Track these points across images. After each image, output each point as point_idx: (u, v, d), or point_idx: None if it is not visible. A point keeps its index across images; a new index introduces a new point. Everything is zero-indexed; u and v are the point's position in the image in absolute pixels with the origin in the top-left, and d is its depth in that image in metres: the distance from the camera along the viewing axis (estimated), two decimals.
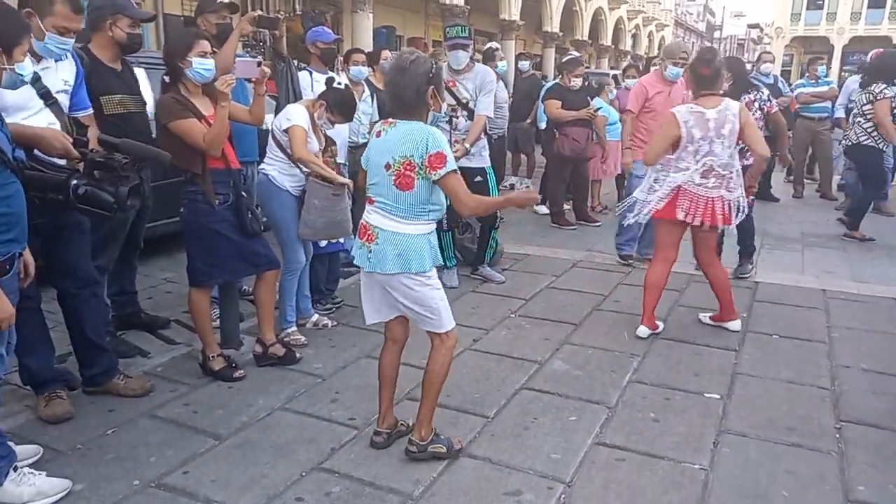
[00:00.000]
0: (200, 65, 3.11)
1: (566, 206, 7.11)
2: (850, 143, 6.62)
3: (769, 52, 9.42)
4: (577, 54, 7.65)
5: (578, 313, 4.39)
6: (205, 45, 3.14)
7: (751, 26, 61.48)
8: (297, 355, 3.57)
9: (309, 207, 3.65)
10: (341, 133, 4.53)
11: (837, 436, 2.92)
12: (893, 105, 6.18)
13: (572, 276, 5.27)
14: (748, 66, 6.63)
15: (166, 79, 3.21)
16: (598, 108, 6.86)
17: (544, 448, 2.79)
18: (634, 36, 33.64)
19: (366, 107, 5.55)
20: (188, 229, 3.31)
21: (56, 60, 2.86)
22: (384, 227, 2.51)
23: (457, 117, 4.73)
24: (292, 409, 3.07)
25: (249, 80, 3.58)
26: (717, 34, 56.28)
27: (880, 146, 6.32)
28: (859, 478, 2.61)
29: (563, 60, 7.29)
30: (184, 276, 3.51)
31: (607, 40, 29.00)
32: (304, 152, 3.57)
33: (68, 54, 2.93)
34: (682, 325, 4.21)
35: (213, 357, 3.36)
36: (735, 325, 4.12)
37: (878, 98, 6.21)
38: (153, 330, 3.96)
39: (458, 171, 2.48)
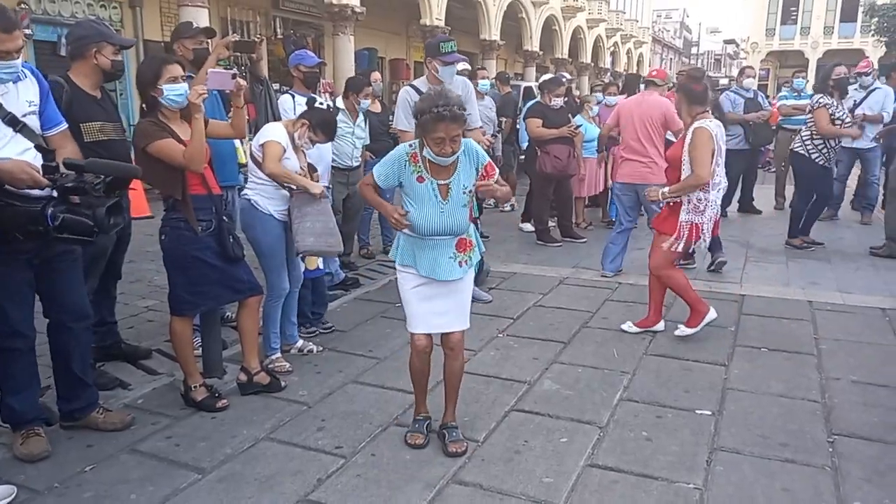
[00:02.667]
0: (172, 91, 3.08)
1: (551, 224, 7.11)
2: (791, 149, 6.77)
3: (752, 67, 9.56)
4: (562, 74, 7.73)
5: (567, 331, 4.36)
6: (173, 70, 3.10)
7: (727, 42, 62.58)
8: (283, 383, 3.50)
9: (301, 218, 3.59)
10: (324, 157, 4.50)
11: (830, 450, 2.90)
12: (831, 112, 6.28)
13: (559, 293, 5.25)
14: (727, 81, 6.76)
15: (143, 107, 3.17)
16: (579, 126, 6.89)
17: (536, 472, 2.73)
18: (613, 53, 34.04)
19: (360, 131, 5.54)
20: (169, 257, 3.25)
21: (14, 82, 2.74)
22: None
23: None
24: (277, 439, 3.00)
25: (225, 93, 3.54)
26: (694, 50, 57.22)
27: (811, 155, 6.39)
28: (855, 493, 2.58)
29: (544, 80, 7.34)
30: (165, 304, 3.44)
31: (587, 58, 29.32)
32: (276, 166, 3.51)
33: (27, 73, 2.81)
34: (671, 341, 4.18)
35: (195, 387, 3.28)
36: (711, 314, 4.20)
37: (815, 107, 6.35)
38: (134, 360, 3.87)
39: (373, 176, 2.83)
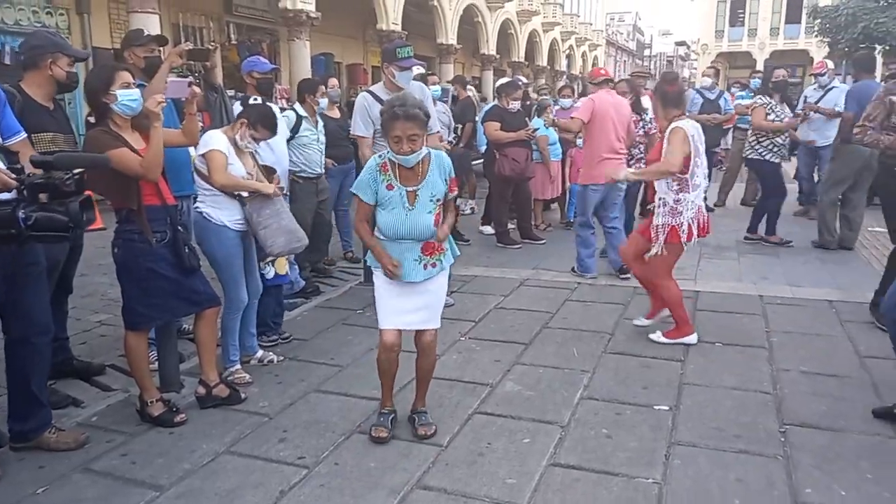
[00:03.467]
0: (126, 96, 3.01)
1: (511, 226, 7.17)
2: (745, 155, 7.11)
3: (711, 67, 9.84)
4: (518, 77, 7.81)
5: (528, 332, 4.40)
6: (126, 77, 3.05)
7: (678, 44, 64.01)
8: (242, 395, 3.45)
9: (262, 223, 3.57)
10: (281, 162, 4.46)
11: (782, 440, 2.99)
12: (768, 112, 6.60)
13: (520, 294, 5.30)
14: (684, 83, 6.99)
15: (91, 119, 3.10)
16: (536, 129, 6.98)
17: (499, 473, 2.75)
18: (569, 56, 34.51)
19: (322, 136, 5.48)
20: (123, 270, 3.17)
21: None
22: None
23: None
24: (238, 452, 2.95)
25: (179, 100, 3.49)
26: (646, 52, 58.36)
27: (764, 156, 6.68)
28: (806, 481, 2.67)
29: (501, 83, 7.41)
30: (118, 317, 3.36)
31: (543, 61, 29.66)
32: (224, 177, 3.47)
33: None
34: (629, 339, 4.26)
35: (151, 402, 3.21)
36: (692, 338, 4.17)
37: (754, 107, 6.72)
38: (87, 377, 3.76)
39: (358, 196, 2.94)
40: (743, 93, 10.19)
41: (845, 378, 3.63)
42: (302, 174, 5.26)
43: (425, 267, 2.94)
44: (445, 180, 2.94)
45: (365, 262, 3.13)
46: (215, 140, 3.52)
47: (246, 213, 3.57)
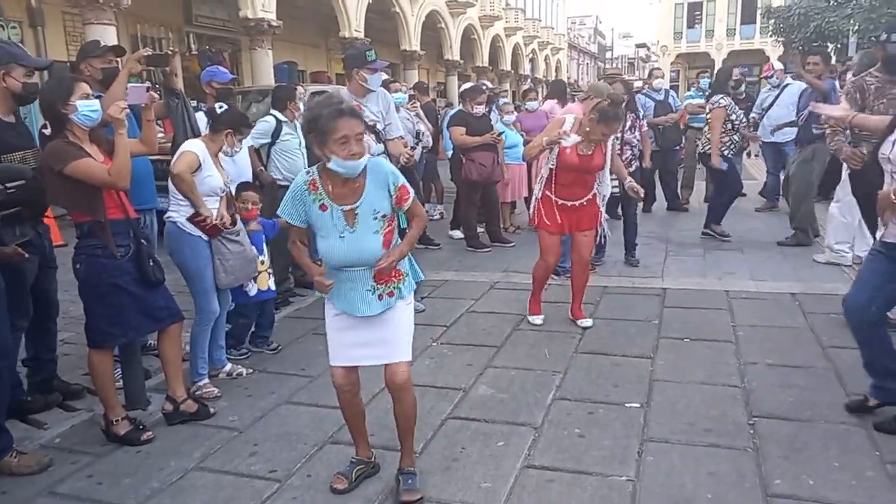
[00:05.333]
0: (87, 107, 2.95)
1: (479, 230, 7.18)
2: (699, 151, 7.23)
3: (659, 68, 9.98)
4: (483, 82, 7.83)
5: (499, 335, 4.41)
6: (85, 88, 3.00)
7: (638, 46, 65.05)
8: (211, 409, 3.39)
9: (220, 255, 3.58)
10: (244, 174, 4.41)
11: (751, 432, 3.04)
12: (728, 112, 6.74)
13: (491, 298, 5.31)
14: (640, 83, 7.07)
15: (46, 131, 3.02)
16: (502, 133, 7.01)
17: (474, 478, 2.75)
18: (532, 60, 34.86)
19: (303, 140, 5.39)
20: (86, 287, 3.09)
21: None
22: None
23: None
24: (208, 468, 2.89)
25: (138, 108, 3.44)
26: (608, 55, 59.20)
27: (723, 153, 6.80)
28: (775, 472, 2.72)
29: (465, 88, 7.43)
30: (82, 335, 3.27)
31: (507, 66, 29.90)
32: (184, 170, 3.43)
33: None
34: (600, 338, 4.30)
35: (117, 421, 3.13)
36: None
37: (714, 107, 6.79)
38: (64, 399, 3.64)
39: (282, 217, 2.60)
40: (692, 92, 10.37)
41: (810, 369, 3.71)
42: (286, 182, 5.19)
43: (380, 297, 2.52)
44: (389, 192, 2.51)
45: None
46: (192, 144, 3.53)
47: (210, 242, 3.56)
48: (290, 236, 2.62)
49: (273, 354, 4.21)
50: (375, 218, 2.49)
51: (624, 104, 5.82)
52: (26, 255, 2.88)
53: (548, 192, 4.39)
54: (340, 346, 2.60)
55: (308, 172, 2.54)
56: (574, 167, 4.28)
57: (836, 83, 6.85)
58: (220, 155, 3.77)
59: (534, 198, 4.53)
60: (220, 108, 3.71)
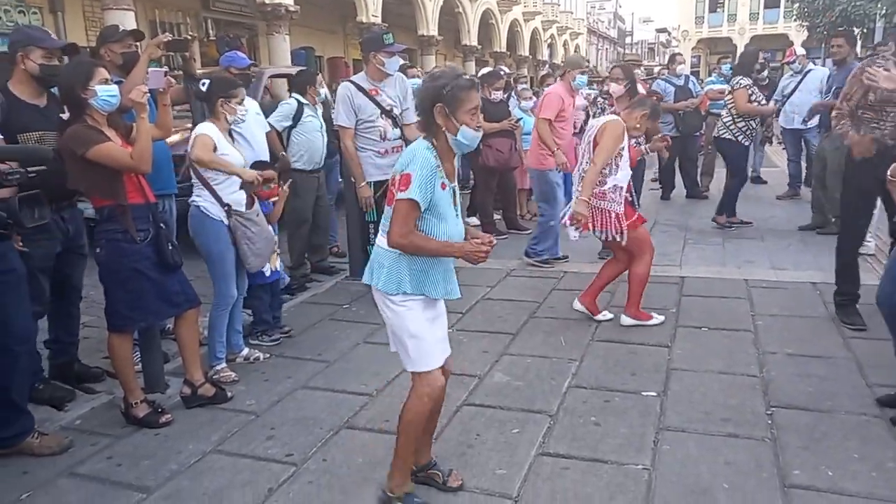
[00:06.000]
0: (106, 92, 2.96)
1: (496, 216, 7.15)
2: (714, 136, 7.09)
3: (681, 54, 9.81)
4: (500, 67, 7.77)
5: (515, 323, 4.40)
6: (104, 73, 3.01)
7: (659, 31, 64.21)
8: (229, 393, 3.42)
9: (246, 240, 3.60)
10: (260, 156, 4.40)
11: (769, 422, 3.01)
12: (751, 93, 6.62)
13: (506, 285, 5.29)
14: (659, 68, 6.96)
15: (64, 116, 3.04)
16: (519, 119, 6.96)
17: (489, 464, 2.75)
18: (550, 45, 34.53)
19: (324, 124, 5.39)
20: (107, 272, 3.12)
21: None
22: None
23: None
24: (225, 451, 2.92)
25: (156, 92, 3.46)
26: (628, 40, 58.47)
27: (738, 139, 6.71)
28: (794, 462, 2.69)
29: (483, 73, 7.38)
30: (102, 319, 3.30)
31: (525, 51, 29.65)
32: (203, 152, 3.47)
33: None
34: (617, 326, 4.27)
35: (136, 403, 3.17)
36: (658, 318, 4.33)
37: (736, 88, 6.66)
38: (82, 382, 3.69)
39: (417, 203, 2.21)
40: (713, 77, 10.20)
41: (830, 359, 3.66)
42: (303, 168, 5.21)
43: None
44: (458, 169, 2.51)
45: (367, 279, 2.41)
46: (203, 127, 3.55)
47: (231, 224, 3.56)
48: (409, 226, 2.24)
49: (288, 338, 4.23)
50: (458, 193, 2.46)
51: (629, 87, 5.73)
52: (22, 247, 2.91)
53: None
54: (437, 341, 2.39)
55: (428, 148, 2.28)
56: (635, 161, 4.36)
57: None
58: (237, 133, 3.79)
59: (612, 208, 4.10)
60: (203, 84, 3.71)
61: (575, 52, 39.06)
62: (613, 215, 4.10)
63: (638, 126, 4.13)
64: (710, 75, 11.44)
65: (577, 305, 4.43)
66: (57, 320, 3.64)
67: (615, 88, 5.30)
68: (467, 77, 2.29)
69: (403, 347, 2.37)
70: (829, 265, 5.15)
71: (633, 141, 4.33)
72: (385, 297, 2.34)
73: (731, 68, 9.03)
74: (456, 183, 2.41)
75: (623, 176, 4.12)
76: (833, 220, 6.50)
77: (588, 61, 6.06)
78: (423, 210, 2.24)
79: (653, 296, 4.79)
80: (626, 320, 4.27)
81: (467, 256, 2.26)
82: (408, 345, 2.34)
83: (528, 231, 7.04)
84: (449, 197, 2.32)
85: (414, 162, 2.24)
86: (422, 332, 2.34)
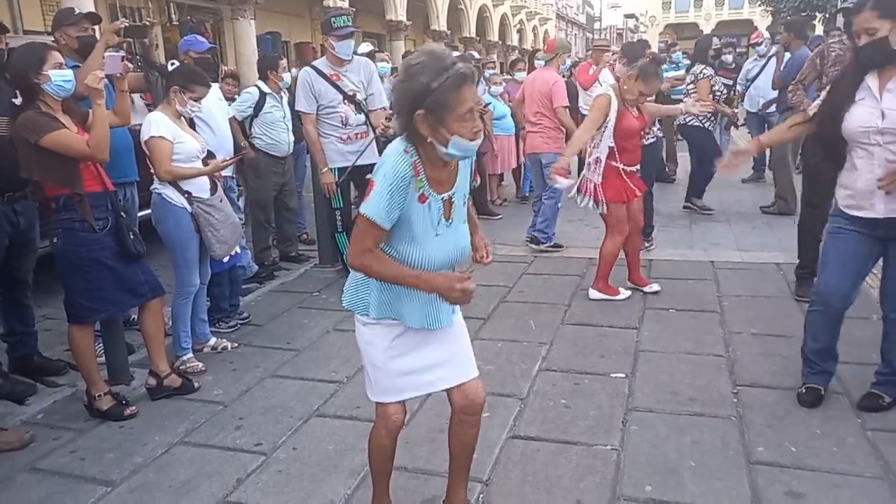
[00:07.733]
0: (60, 77, 2.86)
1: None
2: (679, 123, 7.17)
3: (644, 41, 9.86)
4: (471, 53, 7.72)
5: (485, 307, 4.40)
6: (58, 57, 2.90)
7: (627, 16, 64.46)
8: (196, 384, 3.37)
9: (210, 227, 3.51)
10: (224, 144, 4.32)
11: (735, 401, 3.06)
12: (713, 84, 6.70)
13: (476, 270, 5.27)
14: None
15: (16, 101, 2.93)
16: (488, 104, 6.93)
17: None
18: (520, 31, 34.50)
19: (288, 112, 5.29)
20: (65, 262, 3.03)
21: None
22: None
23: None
24: (192, 442, 2.88)
25: (113, 78, 3.35)
26: (596, 25, 58.64)
27: (704, 125, 6.77)
28: (758, 439, 2.74)
29: None
30: (62, 310, 3.22)
31: (494, 36, 29.57)
32: (168, 167, 3.37)
33: None
34: (586, 309, 4.30)
35: (99, 396, 3.10)
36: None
37: (699, 78, 6.73)
38: (43, 375, 3.60)
39: (371, 220, 1.82)
40: (666, 66, 10.28)
41: (793, 338, 3.71)
42: (267, 151, 5.15)
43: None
44: (471, 167, 2.04)
45: (342, 297, 2.07)
46: (155, 124, 3.37)
47: (194, 210, 3.47)
48: (365, 244, 1.85)
49: (252, 326, 4.17)
50: (464, 203, 2.03)
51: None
52: None
53: (613, 163, 4.27)
54: (401, 374, 2.03)
55: (407, 151, 1.84)
56: (636, 130, 4.35)
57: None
58: (199, 119, 3.69)
59: (592, 178, 4.32)
60: (172, 64, 3.61)
61: (544, 37, 39.07)
62: (592, 185, 4.31)
63: (632, 92, 4.19)
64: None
65: (594, 294, 4.47)
66: (9, 312, 3.54)
67: (619, 69, 5.65)
68: (458, 66, 1.74)
69: (365, 370, 2.11)
70: (792, 247, 5.25)
71: (634, 110, 4.31)
72: (356, 314, 2.04)
73: (682, 55, 9.14)
74: (455, 191, 1.95)
75: (603, 148, 4.26)
76: (777, 199, 6.69)
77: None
78: (384, 229, 1.85)
79: (622, 277, 4.83)
80: (593, 294, 4.45)
81: (445, 295, 1.85)
82: (367, 370, 2.08)
83: (499, 216, 7.06)
84: (430, 214, 1.89)
85: (381, 169, 1.83)
86: (381, 363, 2.02)
